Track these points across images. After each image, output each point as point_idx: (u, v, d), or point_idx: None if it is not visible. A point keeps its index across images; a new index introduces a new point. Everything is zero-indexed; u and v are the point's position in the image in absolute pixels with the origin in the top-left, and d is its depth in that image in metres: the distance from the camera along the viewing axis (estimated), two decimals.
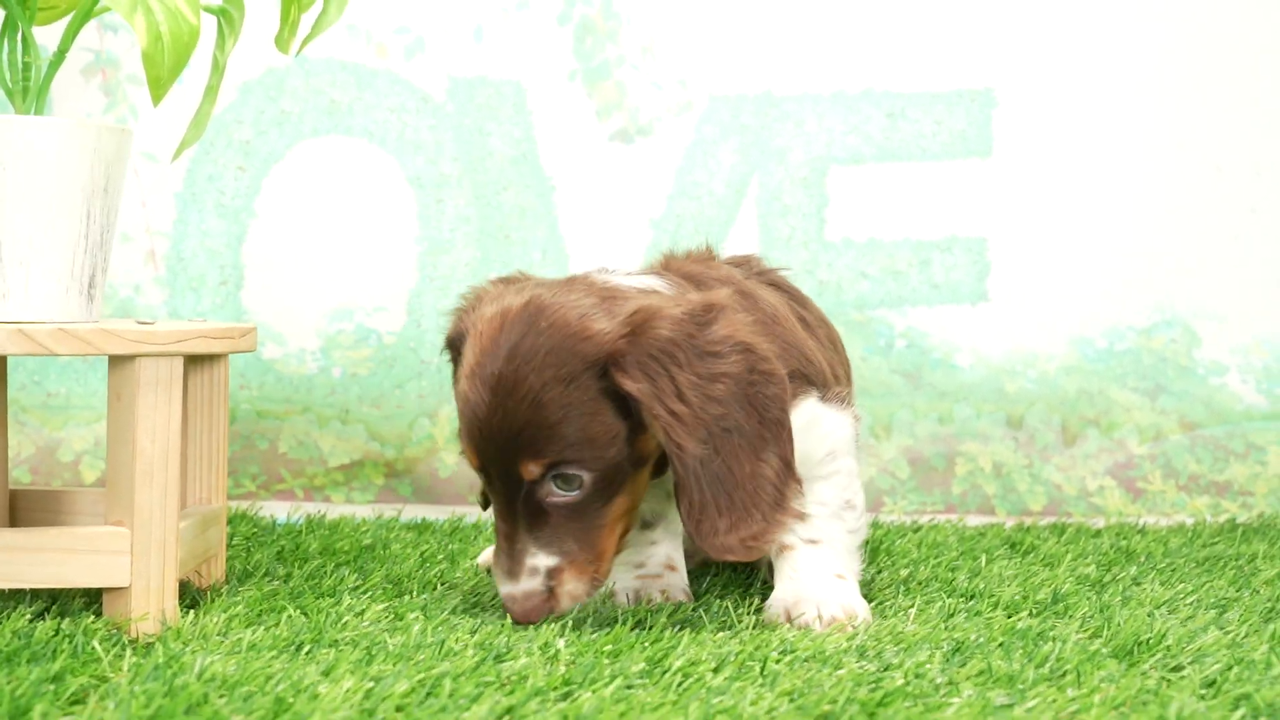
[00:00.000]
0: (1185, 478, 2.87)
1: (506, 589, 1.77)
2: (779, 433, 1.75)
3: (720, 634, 1.78)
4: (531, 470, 1.71)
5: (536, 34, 2.79)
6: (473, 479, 2.76)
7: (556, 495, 1.73)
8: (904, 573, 2.24)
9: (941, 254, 2.81)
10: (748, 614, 1.92)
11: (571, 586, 1.78)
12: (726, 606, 1.94)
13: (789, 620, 1.86)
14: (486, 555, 2.24)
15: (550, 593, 1.77)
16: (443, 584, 2.08)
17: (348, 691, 1.47)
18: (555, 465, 1.70)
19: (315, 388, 2.76)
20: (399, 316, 2.77)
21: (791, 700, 1.48)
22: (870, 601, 1.98)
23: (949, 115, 2.82)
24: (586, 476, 1.72)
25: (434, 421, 2.76)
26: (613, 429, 1.71)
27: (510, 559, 1.76)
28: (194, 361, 2.02)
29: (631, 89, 2.79)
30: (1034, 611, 1.93)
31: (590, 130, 2.79)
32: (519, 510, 1.74)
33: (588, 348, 1.69)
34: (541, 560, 1.76)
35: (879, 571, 2.25)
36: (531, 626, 1.78)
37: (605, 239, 2.74)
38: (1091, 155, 2.84)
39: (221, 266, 2.77)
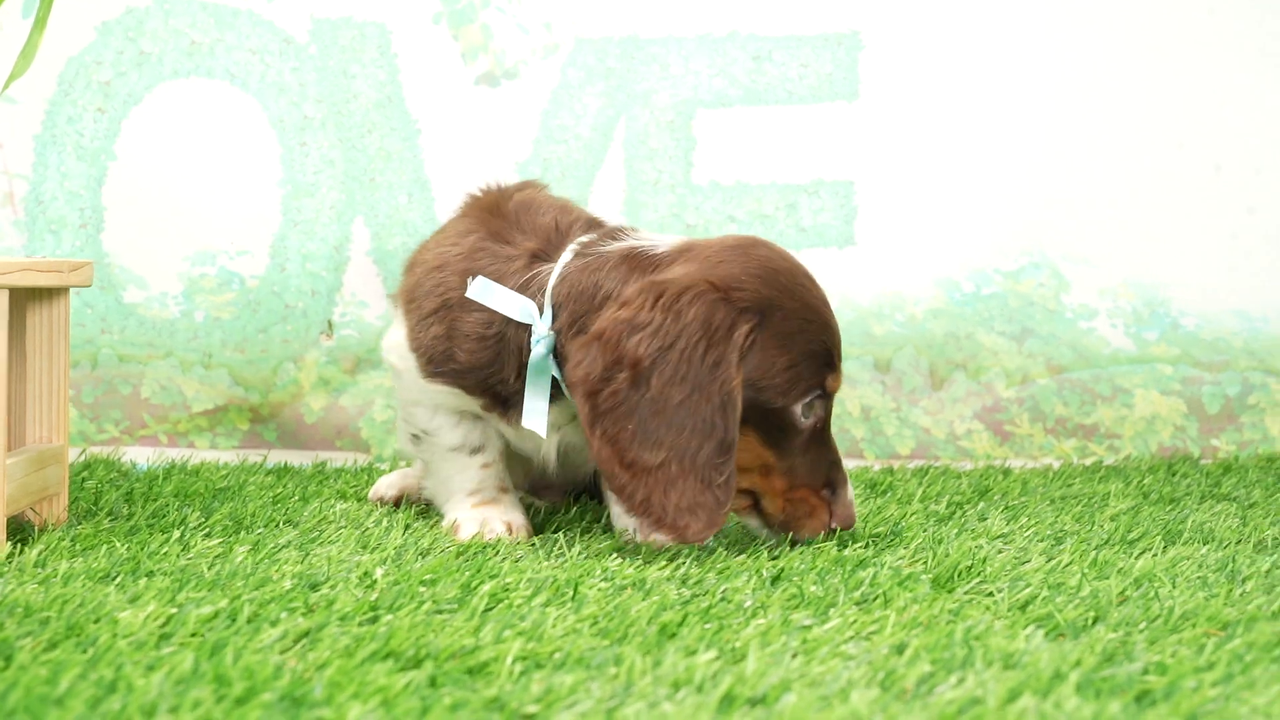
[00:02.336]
0: (1052, 421, 2.89)
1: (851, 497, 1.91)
2: None
3: (546, 562, 1.78)
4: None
5: None
6: (341, 424, 2.75)
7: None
8: None
9: (809, 198, 2.82)
10: (583, 544, 1.92)
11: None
12: (560, 538, 1.94)
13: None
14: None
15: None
16: (287, 523, 2.07)
17: (147, 617, 1.45)
18: None
19: (178, 332, 2.73)
20: (262, 260, 2.74)
21: (594, 624, 1.48)
22: (717, 539, 1.98)
23: (815, 58, 2.81)
24: None
25: (299, 366, 2.74)
26: None
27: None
28: (32, 299, 1.99)
29: (497, 31, 2.77)
30: (868, 544, 1.93)
31: (456, 73, 2.77)
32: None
33: None
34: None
35: None
36: (355, 557, 1.78)
37: (471, 182, 2.70)
38: (958, 98, 2.85)
39: (81, 209, 2.74)
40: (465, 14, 2.75)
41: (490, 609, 1.54)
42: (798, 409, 1.82)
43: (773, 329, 1.79)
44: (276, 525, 2.04)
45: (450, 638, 1.40)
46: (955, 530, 2.06)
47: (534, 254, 1.92)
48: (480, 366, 1.95)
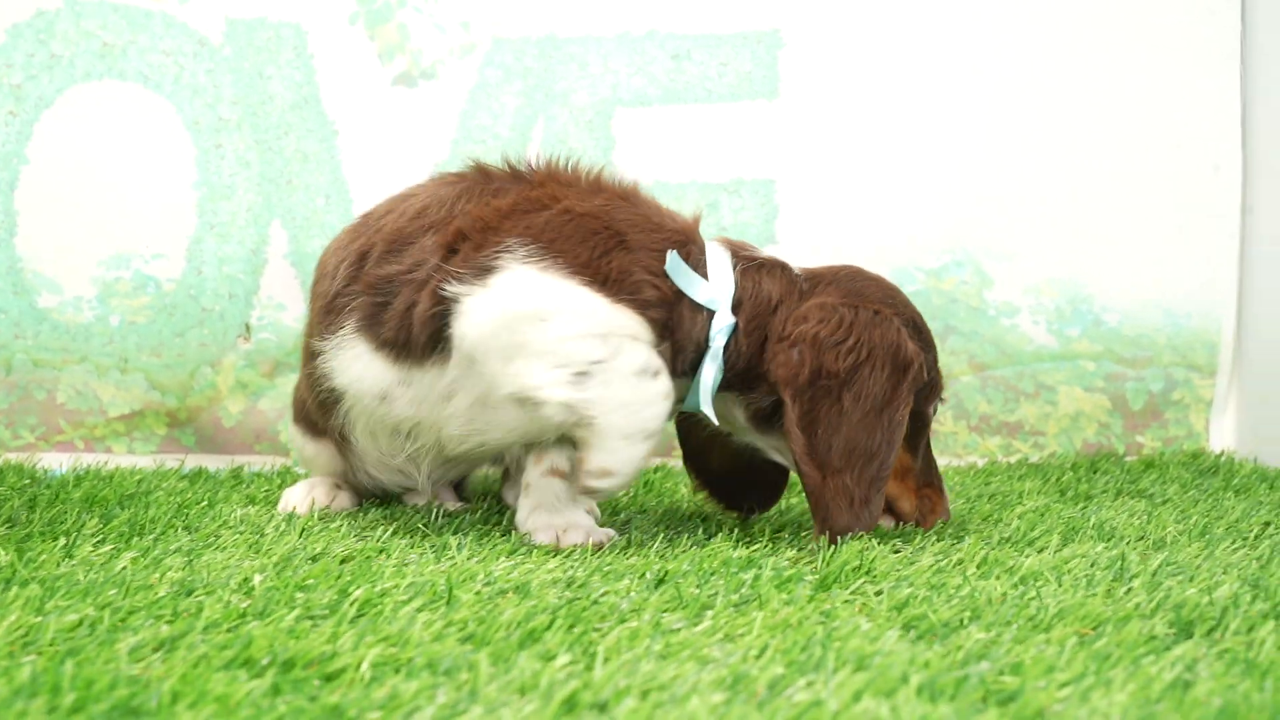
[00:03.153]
0: (976, 418, 2.88)
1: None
2: None
3: (433, 565, 1.77)
4: None
5: None
6: (259, 427, 2.73)
7: None
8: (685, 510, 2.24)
9: (729, 196, 2.80)
10: (476, 546, 1.90)
11: None
12: (452, 540, 1.93)
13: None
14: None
15: None
16: (185, 529, 2.05)
17: (9, 626, 1.44)
18: None
19: (93, 336, 2.71)
20: (178, 263, 2.72)
21: (462, 628, 1.46)
22: (626, 534, 1.97)
23: (735, 57, 2.80)
24: None
25: (216, 370, 2.72)
26: None
27: None
28: None
29: (414, 31, 2.75)
30: (763, 543, 1.92)
31: (373, 73, 2.76)
32: None
33: None
34: None
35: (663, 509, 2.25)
36: (242, 563, 1.76)
37: (389, 183, 2.67)
38: (879, 96, 2.84)
39: None
40: (382, 14, 2.74)
41: (361, 615, 1.52)
42: (931, 412, 2.03)
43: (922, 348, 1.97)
44: (174, 531, 2.02)
45: (310, 644, 1.38)
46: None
47: (688, 244, 1.93)
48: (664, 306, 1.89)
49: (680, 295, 1.89)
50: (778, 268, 1.97)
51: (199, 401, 2.71)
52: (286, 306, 2.71)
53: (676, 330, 1.90)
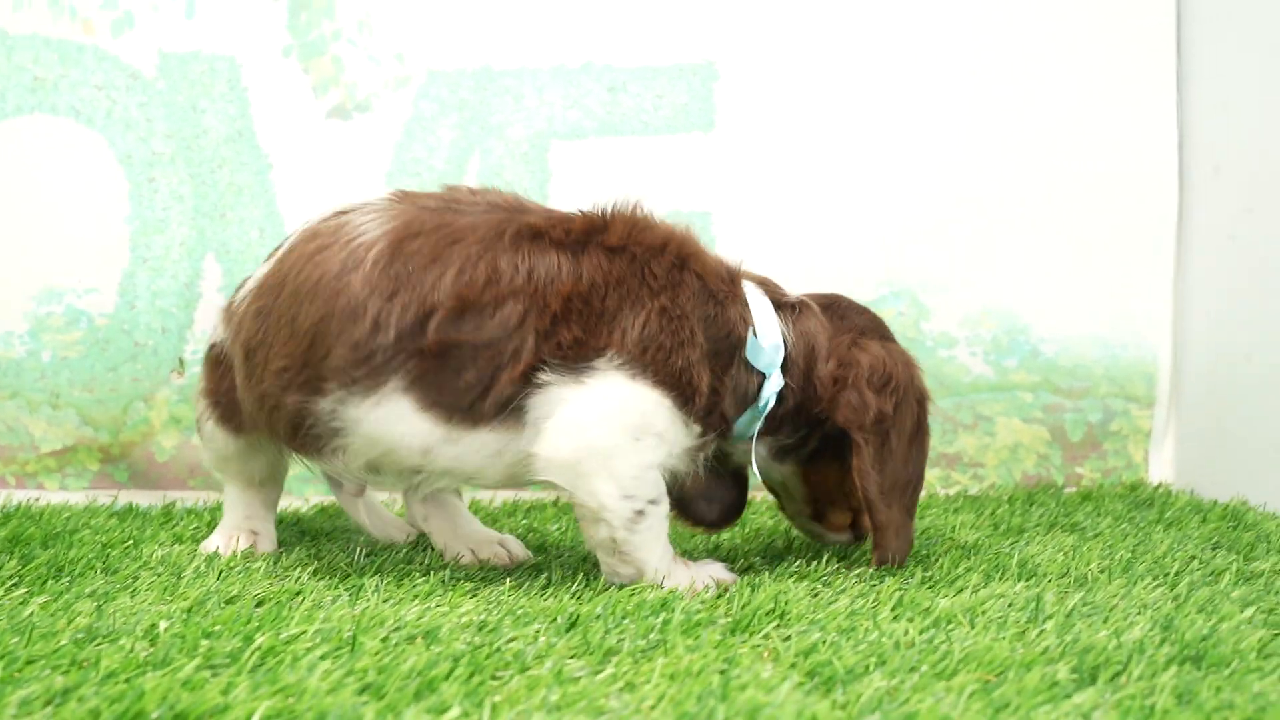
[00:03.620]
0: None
1: None
2: None
3: (345, 610, 1.75)
4: None
5: (250, 8, 2.73)
6: (193, 462, 2.71)
7: None
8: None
9: None
10: (390, 586, 1.89)
11: None
12: (367, 584, 1.91)
13: None
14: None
15: None
16: (105, 570, 2.03)
17: None
18: None
19: (24, 371, 2.69)
20: (111, 298, 2.71)
21: (361, 678, 1.45)
22: (546, 573, 1.96)
23: (671, 89, 2.80)
24: None
25: (149, 405, 2.71)
26: None
27: None
28: None
29: (348, 64, 2.75)
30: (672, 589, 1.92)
31: (307, 106, 2.75)
32: None
33: None
34: None
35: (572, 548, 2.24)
36: (154, 607, 1.75)
37: None
38: (815, 128, 2.84)
39: None
40: (316, 46, 2.73)
41: (263, 663, 1.51)
42: None
43: None
44: (92, 573, 2.00)
45: (204, 696, 1.37)
46: (782, 570, 2.04)
47: (743, 305, 1.99)
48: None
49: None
50: (808, 308, 2.05)
51: (132, 437, 2.69)
52: None
53: (723, 399, 1.95)
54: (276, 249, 2.05)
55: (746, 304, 1.96)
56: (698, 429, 1.91)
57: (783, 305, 2.02)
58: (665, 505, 1.91)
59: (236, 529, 2.21)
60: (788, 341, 1.98)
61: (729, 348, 1.93)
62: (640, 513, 1.87)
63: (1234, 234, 2.74)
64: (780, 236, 2.81)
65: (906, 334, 2.84)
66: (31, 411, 2.68)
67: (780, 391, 1.98)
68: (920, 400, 2.05)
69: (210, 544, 2.20)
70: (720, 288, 1.94)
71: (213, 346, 2.16)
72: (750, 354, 1.94)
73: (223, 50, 2.72)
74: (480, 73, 2.77)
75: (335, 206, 2.00)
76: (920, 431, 2.05)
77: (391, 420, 1.86)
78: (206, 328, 2.69)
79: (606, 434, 1.83)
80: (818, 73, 2.82)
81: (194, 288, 2.70)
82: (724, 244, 2.80)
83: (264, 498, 2.24)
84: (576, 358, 1.83)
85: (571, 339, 1.83)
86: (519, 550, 2.18)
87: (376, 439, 1.89)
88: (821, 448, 2.05)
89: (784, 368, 1.98)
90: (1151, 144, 2.86)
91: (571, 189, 2.75)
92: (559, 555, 2.16)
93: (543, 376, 1.83)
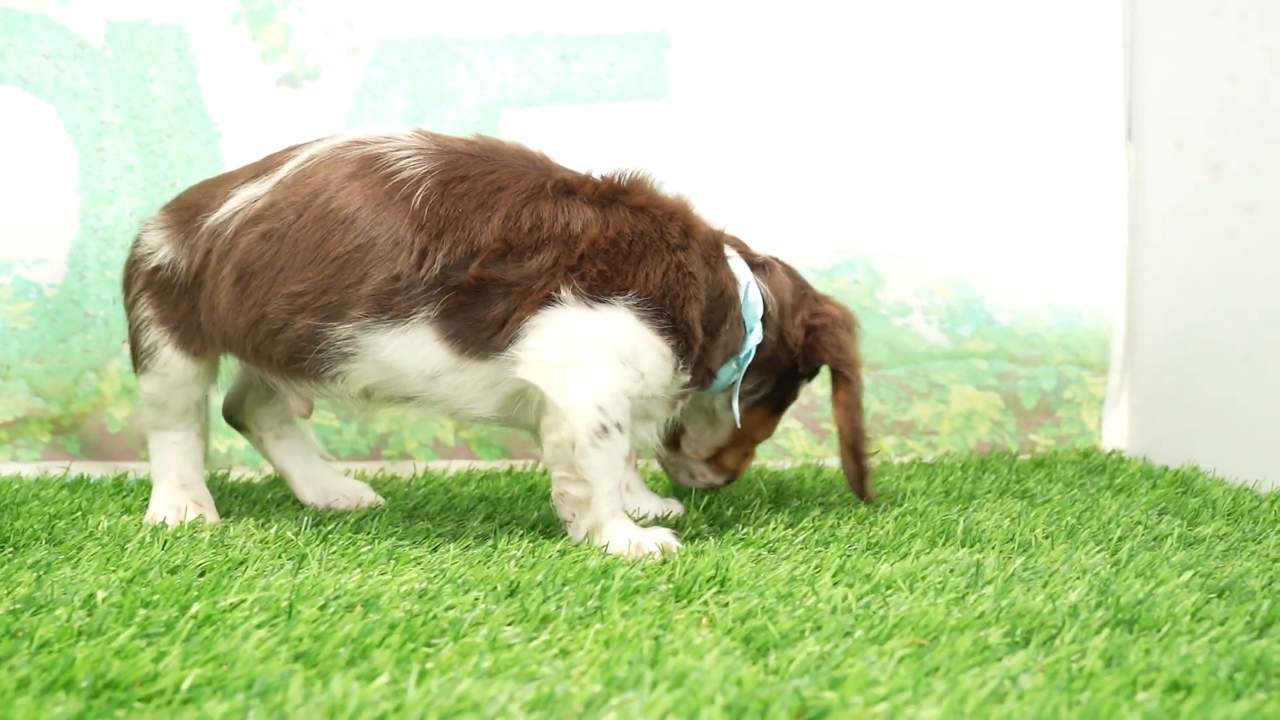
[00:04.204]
0: (870, 418, 2.88)
1: None
2: None
3: (287, 579, 1.75)
4: None
5: None
6: (144, 434, 2.69)
7: None
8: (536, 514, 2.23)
9: None
10: (335, 555, 1.89)
11: None
12: (311, 552, 1.91)
13: None
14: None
15: None
16: (50, 540, 2.02)
17: None
18: None
19: None
20: (60, 269, 2.69)
21: (295, 646, 1.45)
22: (492, 541, 1.97)
23: (623, 57, 2.79)
24: None
25: (101, 376, 2.69)
26: None
27: None
28: None
29: (298, 32, 2.73)
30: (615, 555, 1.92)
31: (256, 75, 2.73)
32: None
33: None
34: None
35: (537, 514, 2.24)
36: (96, 576, 1.74)
37: None
38: (768, 95, 2.83)
39: None
40: (264, 14, 2.71)
41: (197, 633, 1.50)
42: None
43: None
44: (37, 544, 2.00)
45: (136, 664, 1.37)
46: (728, 537, 2.05)
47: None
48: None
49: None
50: (774, 267, 2.19)
51: (83, 408, 2.68)
52: None
53: (713, 345, 2.08)
54: (264, 171, 2.10)
55: (730, 265, 2.10)
56: (685, 378, 2.04)
57: (755, 265, 2.15)
58: (627, 442, 1.99)
59: (179, 499, 2.21)
60: (766, 298, 2.12)
61: (721, 306, 2.06)
62: (605, 429, 1.96)
63: (1189, 202, 2.74)
64: (734, 205, 2.79)
65: (861, 302, 2.84)
66: None
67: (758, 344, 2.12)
68: None
69: (156, 514, 2.19)
70: (711, 252, 2.07)
71: (157, 269, 2.15)
72: (746, 311, 2.08)
73: (171, 18, 2.70)
74: (431, 41, 2.75)
75: (345, 135, 2.09)
76: None
77: (411, 349, 1.99)
78: None
79: (596, 349, 1.96)
80: (771, 41, 2.81)
81: None
82: None
83: (195, 456, 2.26)
84: (599, 289, 1.97)
85: (596, 272, 1.97)
86: (368, 496, 2.36)
87: (389, 366, 2.01)
88: (765, 396, 2.23)
89: (762, 322, 2.11)
90: (1103, 111, 2.86)
91: None
92: (507, 524, 2.16)
93: (562, 294, 1.96)
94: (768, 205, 2.83)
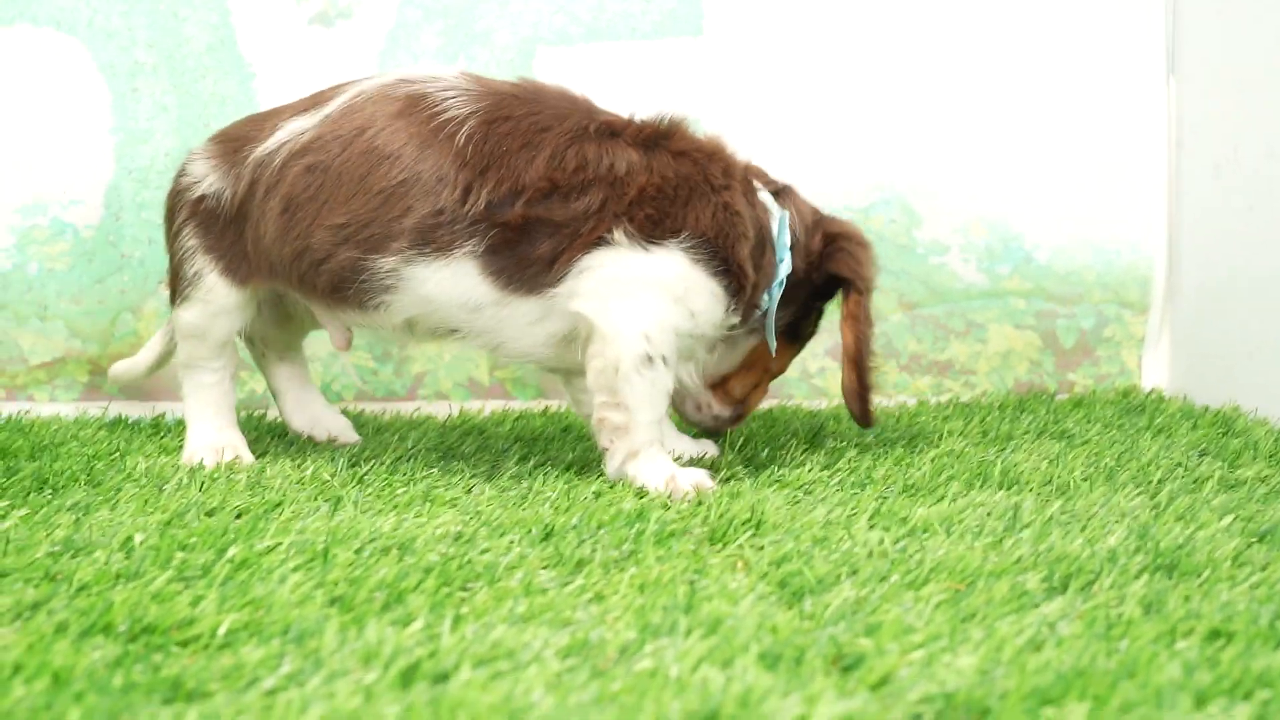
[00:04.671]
0: (906, 357, 2.87)
1: None
2: None
3: (323, 522, 1.75)
4: None
5: None
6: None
7: None
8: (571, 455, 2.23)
9: None
10: (372, 497, 1.89)
11: None
12: (347, 494, 1.91)
13: None
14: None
15: None
16: (89, 482, 2.03)
17: None
18: None
19: (10, 284, 2.68)
20: (96, 210, 2.69)
21: (330, 590, 1.45)
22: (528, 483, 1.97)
23: None
24: None
25: (137, 317, 2.70)
26: None
27: None
28: None
29: None
30: (648, 495, 1.92)
31: (289, 14, 2.71)
32: None
33: None
34: None
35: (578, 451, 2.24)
36: (134, 519, 1.75)
37: None
38: (804, 32, 2.80)
39: None
40: None
41: (234, 576, 1.51)
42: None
43: None
44: (76, 485, 2.01)
45: (173, 608, 1.38)
46: (763, 479, 2.04)
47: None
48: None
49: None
50: (792, 193, 2.20)
51: (121, 349, 2.69)
52: None
53: (761, 287, 2.11)
54: (312, 105, 2.15)
55: (760, 197, 2.13)
56: (736, 319, 2.08)
57: (777, 193, 2.16)
58: (671, 378, 2.02)
59: (216, 440, 2.22)
60: (793, 223, 2.14)
61: (762, 239, 2.08)
62: (650, 359, 1.98)
63: (1233, 134, 2.70)
64: (770, 142, 2.77)
65: (898, 240, 2.82)
66: (19, 324, 2.68)
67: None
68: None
69: (194, 455, 2.20)
70: (749, 188, 2.10)
71: (202, 198, 2.18)
72: (779, 239, 2.10)
73: None
74: None
75: (395, 73, 2.13)
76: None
77: (453, 281, 2.01)
78: None
79: (648, 286, 1.99)
80: None
81: None
82: None
83: (230, 398, 2.29)
84: (650, 232, 2.00)
85: (645, 216, 2.00)
86: (348, 435, 2.41)
87: (431, 298, 2.04)
88: (784, 326, 2.21)
89: (790, 250, 2.13)
90: (1143, 46, 2.82)
91: None
92: (542, 465, 2.16)
93: (615, 235, 1.99)
94: (803, 143, 2.80)
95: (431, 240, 2.01)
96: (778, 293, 2.12)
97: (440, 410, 2.73)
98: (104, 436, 2.40)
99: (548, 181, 1.99)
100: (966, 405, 2.72)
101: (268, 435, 2.46)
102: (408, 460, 2.19)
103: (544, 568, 1.55)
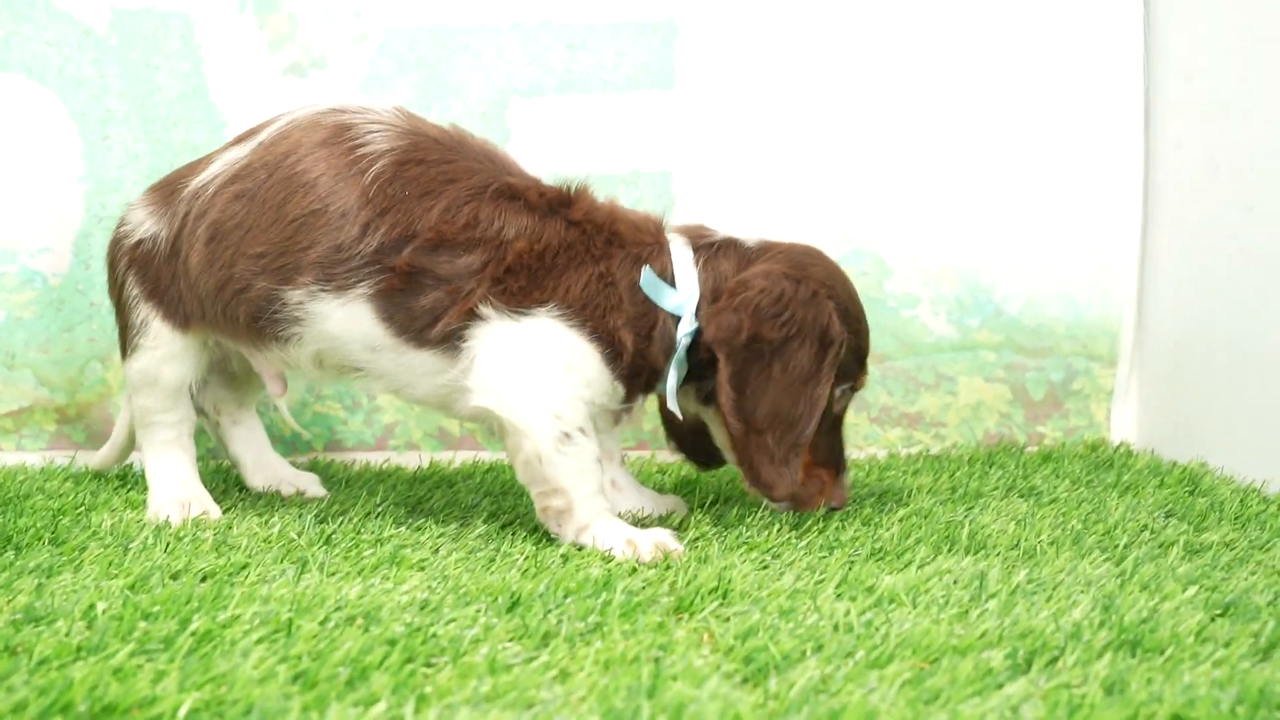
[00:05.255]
0: (877, 410, 2.88)
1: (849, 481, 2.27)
2: None
3: (286, 589, 1.74)
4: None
5: None
6: None
7: None
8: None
9: (626, 188, 2.78)
10: (339, 559, 1.89)
11: None
12: (311, 556, 1.90)
13: None
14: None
15: None
16: (52, 541, 2.02)
17: None
18: None
19: None
20: (65, 258, 2.68)
21: (295, 665, 1.45)
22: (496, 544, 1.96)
23: (631, 46, 2.77)
24: None
25: (106, 366, 2.69)
26: None
27: None
28: None
29: (304, 20, 2.71)
30: (624, 562, 1.92)
31: (262, 63, 2.71)
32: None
33: None
34: None
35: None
36: (97, 583, 1.74)
37: None
38: (776, 85, 2.81)
39: None
40: (271, 2, 2.69)
41: (197, 649, 1.50)
42: (836, 393, 2.13)
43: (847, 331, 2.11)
44: (40, 544, 2.00)
45: (134, 686, 1.36)
46: (731, 540, 2.04)
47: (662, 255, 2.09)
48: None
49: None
50: (730, 246, 2.12)
51: (89, 397, 2.68)
52: None
53: (649, 347, 2.06)
54: (248, 136, 2.14)
55: (669, 255, 2.08)
56: (623, 391, 2.07)
57: (700, 247, 2.11)
58: (594, 445, 2.01)
59: (180, 494, 2.22)
60: (704, 285, 2.07)
61: (653, 305, 2.05)
62: (568, 435, 1.98)
63: (1198, 195, 2.72)
64: (742, 196, 2.79)
65: (869, 293, 2.82)
66: None
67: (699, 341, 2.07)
68: (825, 345, 2.05)
69: (160, 511, 2.18)
70: (644, 251, 2.07)
71: (139, 243, 2.19)
72: (657, 299, 2.05)
73: (176, 6, 2.68)
74: (438, 29, 2.73)
75: (329, 103, 2.12)
76: (816, 376, 2.04)
77: (353, 321, 2.02)
78: None
79: (539, 360, 1.99)
80: (779, 31, 2.79)
81: None
82: (685, 203, 2.78)
83: (190, 452, 2.29)
84: (520, 303, 1.99)
85: (518, 287, 1.99)
86: (314, 489, 2.40)
87: (334, 335, 2.04)
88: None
89: (697, 309, 2.06)
90: (1117, 100, 2.84)
91: (532, 148, 2.72)
92: (510, 523, 2.15)
93: (485, 310, 1.98)
94: (775, 195, 2.81)
95: (332, 276, 2.01)
96: (680, 353, 2.06)
97: (410, 461, 2.73)
98: (70, 489, 2.39)
99: (436, 233, 1.99)
100: (936, 458, 2.73)
101: (236, 488, 2.45)
102: (376, 517, 2.18)
103: (509, 639, 1.54)
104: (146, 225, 2.19)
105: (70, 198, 2.68)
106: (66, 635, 1.53)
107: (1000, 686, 1.40)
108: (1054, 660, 1.49)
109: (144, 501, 2.29)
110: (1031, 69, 2.84)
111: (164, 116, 2.69)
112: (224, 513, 2.23)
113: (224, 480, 2.50)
